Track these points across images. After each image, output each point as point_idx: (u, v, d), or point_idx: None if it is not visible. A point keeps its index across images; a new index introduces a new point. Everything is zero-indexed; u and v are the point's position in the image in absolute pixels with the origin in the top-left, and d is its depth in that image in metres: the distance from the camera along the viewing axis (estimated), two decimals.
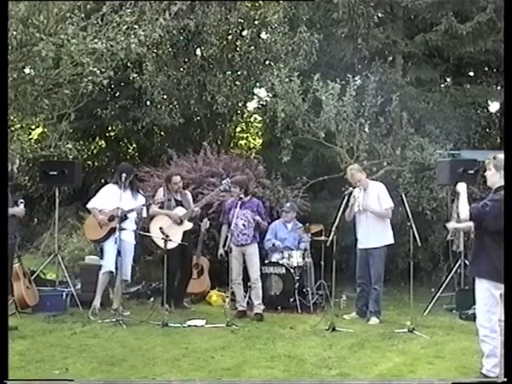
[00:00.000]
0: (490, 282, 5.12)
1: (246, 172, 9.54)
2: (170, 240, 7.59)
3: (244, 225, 7.82)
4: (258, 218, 7.88)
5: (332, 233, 7.29)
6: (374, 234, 7.59)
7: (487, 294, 5.13)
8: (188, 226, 8.10)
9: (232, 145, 12.65)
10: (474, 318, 5.34)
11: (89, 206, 8.04)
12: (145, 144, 13.16)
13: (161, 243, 7.55)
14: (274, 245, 8.60)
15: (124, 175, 7.76)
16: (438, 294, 8.30)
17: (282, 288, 8.25)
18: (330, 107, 9.48)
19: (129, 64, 11.10)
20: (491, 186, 5.31)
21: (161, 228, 7.74)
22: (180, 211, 8.07)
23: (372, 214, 7.58)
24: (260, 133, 13.56)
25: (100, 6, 8.74)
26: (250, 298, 7.94)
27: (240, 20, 11.11)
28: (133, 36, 8.30)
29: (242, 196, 7.85)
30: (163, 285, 7.53)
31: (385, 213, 7.60)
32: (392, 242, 7.70)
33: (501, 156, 5.22)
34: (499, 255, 5.02)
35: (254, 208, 7.90)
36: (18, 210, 6.95)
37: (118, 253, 7.44)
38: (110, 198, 7.84)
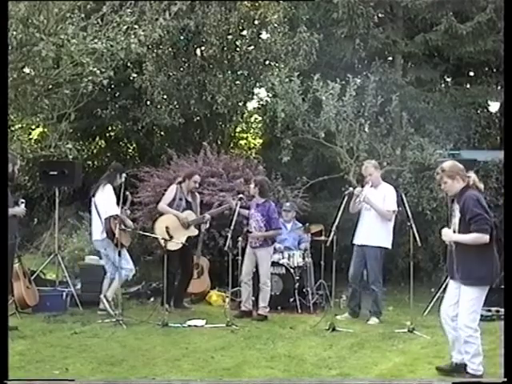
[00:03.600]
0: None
1: (245, 172, 9.54)
2: (171, 239, 7.59)
3: (255, 227, 7.80)
4: (269, 222, 7.78)
5: (332, 233, 7.29)
6: (372, 232, 7.57)
7: (476, 295, 5.14)
8: (194, 232, 8.05)
9: (232, 145, 12.65)
10: None
11: (113, 213, 7.52)
12: (145, 144, 13.16)
13: (162, 242, 7.52)
14: (274, 248, 8.59)
15: (124, 175, 7.71)
16: (437, 294, 8.28)
17: (282, 288, 8.25)
18: (330, 107, 9.48)
19: (129, 64, 11.11)
20: (452, 194, 5.31)
21: (167, 227, 7.72)
22: (190, 215, 7.98)
23: (374, 210, 7.56)
24: (260, 133, 13.56)
25: (100, 6, 8.75)
26: (256, 299, 7.91)
27: (240, 20, 11.11)
28: (133, 36, 8.31)
29: (256, 197, 7.83)
30: (163, 285, 7.53)
31: (386, 213, 7.54)
32: (389, 246, 7.66)
33: (446, 164, 5.27)
34: (495, 257, 5.06)
35: (264, 212, 7.81)
36: (19, 209, 6.94)
37: (119, 253, 7.46)
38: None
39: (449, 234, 5.27)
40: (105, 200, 7.65)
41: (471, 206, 5.04)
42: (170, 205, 8.01)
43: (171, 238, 7.67)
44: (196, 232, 8.10)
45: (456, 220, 5.19)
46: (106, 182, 7.77)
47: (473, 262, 5.09)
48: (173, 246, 7.65)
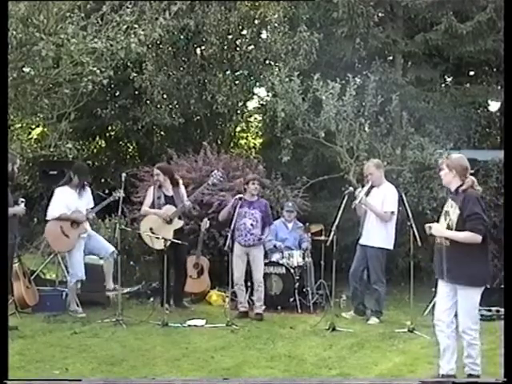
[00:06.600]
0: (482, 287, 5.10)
1: (245, 172, 9.54)
2: (157, 237, 7.61)
3: (252, 224, 7.76)
4: (265, 219, 7.86)
5: (332, 233, 7.28)
6: (372, 233, 7.57)
7: (471, 295, 5.07)
8: (178, 224, 7.92)
9: (232, 145, 12.66)
10: None
11: (50, 217, 7.82)
12: (145, 144, 13.17)
13: (150, 243, 7.74)
14: (275, 246, 8.59)
15: (82, 177, 7.77)
16: None
17: (282, 288, 8.24)
18: (330, 107, 9.47)
19: (129, 64, 11.09)
20: (446, 185, 5.27)
21: (151, 228, 7.77)
22: (169, 210, 7.89)
23: (371, 211, 7.56)
24: (260, 133, 13.56)
25: (100, 6, 8.75)
26: (251, 299, 7.92)
27: (240, 20, 11.09)
28: (133, 36, 8.32)
29: (248, 196, 7.80)
30: (161, 284, 7.53)
31: (383, 215, 7.51)
32: (390, 247, 7.63)
33: (454, 156, 5.25)
34: (488, 259, 5.04)
35: (262, 208, 7.86)
36: (19, 209, 6.95)
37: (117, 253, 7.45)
38: (66, 202, 7.76)
39: (440, 229, 5.14)
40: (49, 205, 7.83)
41: (471, 204, 4.96)
42: (152, 206, 7.99)
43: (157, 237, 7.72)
44: (181, 224, 7.97)
45: (454, 217, 5.07)
46: (58, 184, 7.91)
47: (464, 262, 4.98)
48: (161, 244, 7.51)
